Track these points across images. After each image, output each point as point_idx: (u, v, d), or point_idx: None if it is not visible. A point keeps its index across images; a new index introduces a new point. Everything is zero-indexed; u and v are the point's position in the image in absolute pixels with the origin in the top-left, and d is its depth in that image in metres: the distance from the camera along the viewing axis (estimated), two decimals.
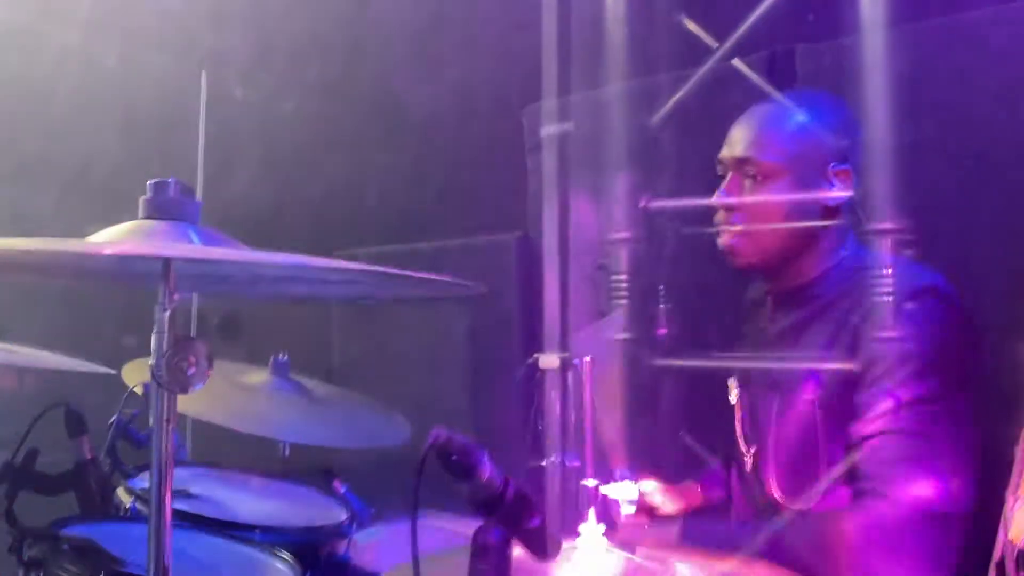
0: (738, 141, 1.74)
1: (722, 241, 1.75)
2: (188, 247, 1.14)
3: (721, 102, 2.26)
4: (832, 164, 1.69)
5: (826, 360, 1.62)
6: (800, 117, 1.70)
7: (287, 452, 2.25)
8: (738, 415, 1.85)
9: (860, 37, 1.26)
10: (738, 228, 1.71)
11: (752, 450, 1.78)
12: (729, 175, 1.74)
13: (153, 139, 3.33)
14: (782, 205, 1.69)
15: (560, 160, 2.26)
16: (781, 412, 1.68)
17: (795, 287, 1.74)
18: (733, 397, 1.87)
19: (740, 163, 1.72)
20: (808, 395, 1.63)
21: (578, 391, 1.46)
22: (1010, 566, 1.05)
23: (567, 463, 1.40)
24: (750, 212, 1.71)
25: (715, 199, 1.75)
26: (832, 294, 1.67)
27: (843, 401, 1.60)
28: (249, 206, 3.25)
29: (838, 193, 1.69)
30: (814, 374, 1.63)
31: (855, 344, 1.60)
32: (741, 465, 1.84)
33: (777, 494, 1.68)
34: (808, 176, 1.69)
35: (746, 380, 1.84)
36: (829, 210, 1.71)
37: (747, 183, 1.71)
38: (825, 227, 1.70)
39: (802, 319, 1.71)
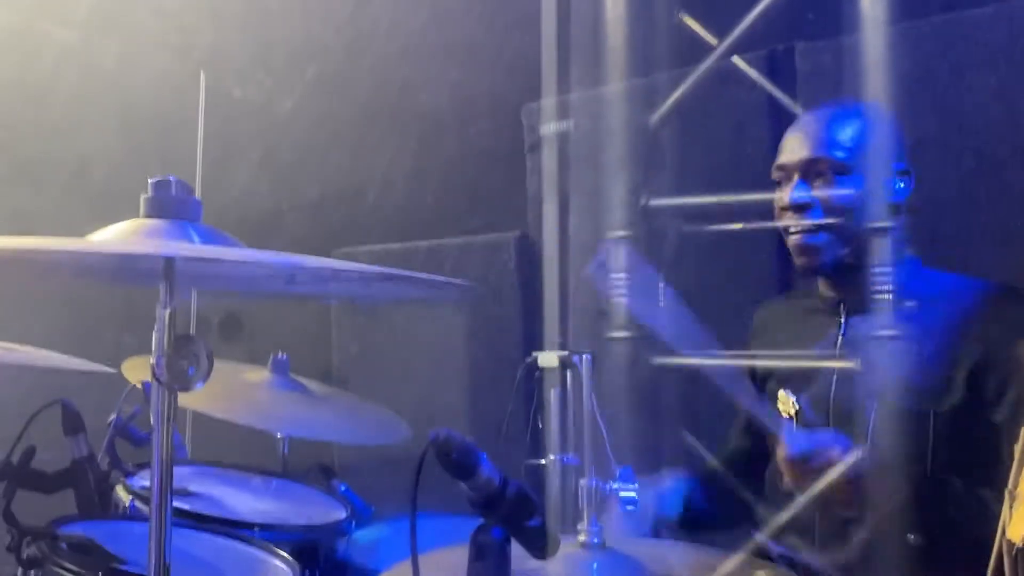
0: (804, 143, 1.71)
1: (795, 240, 1.72)
2: (190, 246, 1.14)
3: (721, 100, 2.26)
4: (895, 163, 1.69)
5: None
6: (862, 117, 1.69)
7: (286, 450, 2.25)
8: (795, 426, 1.77)
9: (860, 35, 1.26)
10: (826, 222, 1.68)
11: None
12: (795, 178, 1.71)
13: (152, 139, 3.33)
14: (857, 202, 1.66)
15: (559, 159, 2.26)
16: (884, 422, 1.64)
17: (875, 292, 1.69)
18: (789, 409, 1.79)
19: (811, 163, 1.70)
20: (923, 404, 1.60)
21: (578, 390, 1.46)
22: (1009, 565, 1.05)
23: (567, 462, 1.40)
24: (827, 209, 1.69)
25: (787, 198, 1.71)
26: (921, 303, 1.64)
27: (960, 409, 1.59)
28: (248, 205, 3.25)
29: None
30: (928, 380, 1.60)
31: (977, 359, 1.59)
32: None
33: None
34: (875, 174, 1.68)
35: (807, 389, 1.78)
36: (895, 209, 1.70)
37: (818, 183, 1.70)
38: (895, 226, 1.68)
39: (891, 326, 1.68)
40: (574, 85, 2.03)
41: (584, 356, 1.46)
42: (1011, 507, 1.07)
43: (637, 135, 1.71)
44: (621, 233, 1.57)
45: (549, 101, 2.18)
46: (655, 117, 1.66)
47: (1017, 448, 1.10)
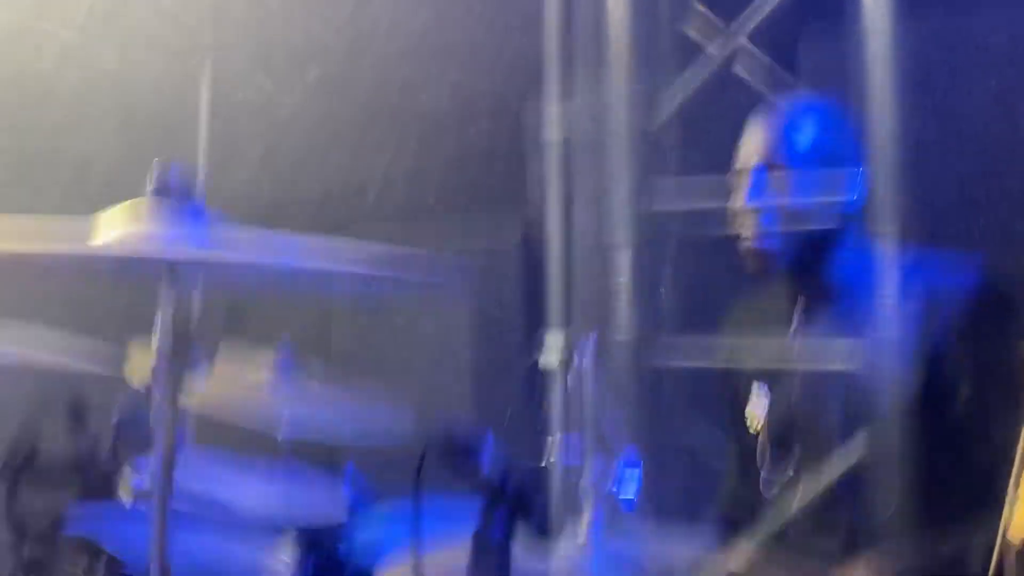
0: (758, 147, 1.72)
1: (747, 245, 1.73)
2: (191, 248, 1.14)
3: (723, 104, 2.26)
4: (851, 165, 1.70)
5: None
6: (815, 118, 1.70)
7: (288, 450, 2.25)
8: (766, 421, 1.80)
9: (863, 39, 1.27)
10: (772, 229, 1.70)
11: (795, 455, 1.75)
12: (750, 181, 1.72)
13: (153, 138, 3.32)
14: (811, 205, 1.67)
15: (561, 161, 2.26)
16: (850, 415, 1.66)
17: (834, 288, 1.71)
18: (756, 425, 1.82)
19: (765, 167, 1.70)
20: (883, 400, 1.60)
21: (578, 390, 1.46)
22: (1010, 564, 1.06)
23: (568, 460, 1.41)
24: (780, 213, 1.69)
25: (741, 203, 1.72)
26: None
27: (927, 402, 1.60)
28: (249, 205, 3.24)
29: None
30: (883, 377, 1.61)
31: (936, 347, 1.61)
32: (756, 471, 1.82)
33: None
34: (829, 175, 1.69)
35: (779, 384, 1.79)
36: (850, 211, 1.70)
37: (772, 187, 1.70)
38: (849, 226, 1.69)
39: (845, 318, 1.69)
40: (576, 87, 2.03)
41: (585, 357, 1.47)
42: (1011, 507, 1.07)
43: (639, 138, 1.71)
44: (623, 236, 1.58)
45: (551, 103, 2.18)
46: (657, 120, 1.67)
47: (1018, 448, 1.10)
